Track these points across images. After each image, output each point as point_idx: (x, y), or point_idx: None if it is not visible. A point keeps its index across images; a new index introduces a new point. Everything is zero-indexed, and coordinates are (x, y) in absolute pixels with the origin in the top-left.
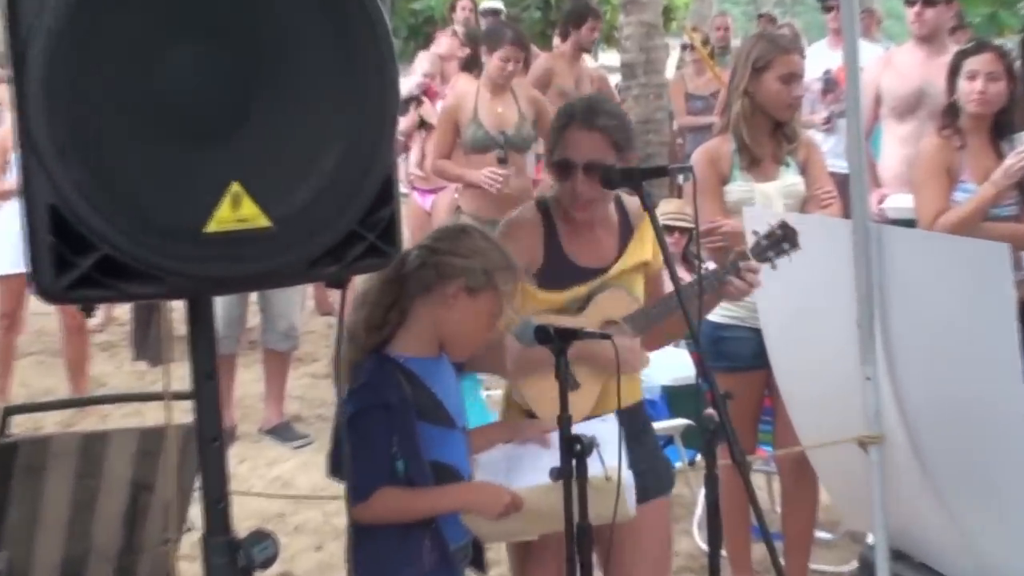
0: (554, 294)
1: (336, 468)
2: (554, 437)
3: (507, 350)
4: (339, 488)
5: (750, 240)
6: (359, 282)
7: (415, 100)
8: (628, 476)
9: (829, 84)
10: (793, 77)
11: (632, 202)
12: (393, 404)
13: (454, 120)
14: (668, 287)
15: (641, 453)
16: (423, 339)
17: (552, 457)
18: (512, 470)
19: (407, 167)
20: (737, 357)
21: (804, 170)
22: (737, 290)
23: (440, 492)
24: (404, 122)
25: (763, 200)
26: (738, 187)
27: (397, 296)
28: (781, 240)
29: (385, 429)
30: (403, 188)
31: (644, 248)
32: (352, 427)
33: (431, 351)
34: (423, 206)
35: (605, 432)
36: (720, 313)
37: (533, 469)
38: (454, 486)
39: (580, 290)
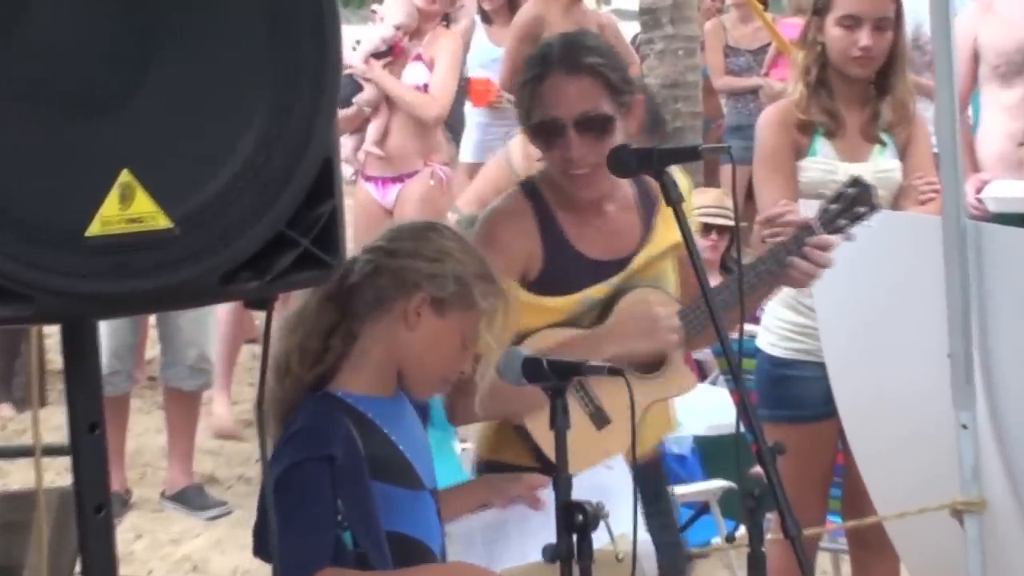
0: (562, 300)
1: (264, 545)
2: (549, 494)
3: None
4: (268, 571)
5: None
6: (293, 299)
7: (384, 56)
8: (648, 546)
9: None
10: (856, 21)
11: None
12: (338, 457)
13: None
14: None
15: (650, 527)
16: (377, 372)
17: (546, 523)
18: (494, 542)
19: (355, 146)
20: (805, 403)
21: (904, 152)
22: (801, 274)
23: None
24: (371, 90)
25: None
26: (817, 164)
27: (341, 316)
28: (854, 202)
29: (327, 490)
30: (348, 175)
31: (672, 226)
32: (283, 488)
33: (387, 388)
34: (380, 201)
35: (613, 484)
36: (784, 346)
37: (521, 541)
38: (421, 568)
39: (596, 291)
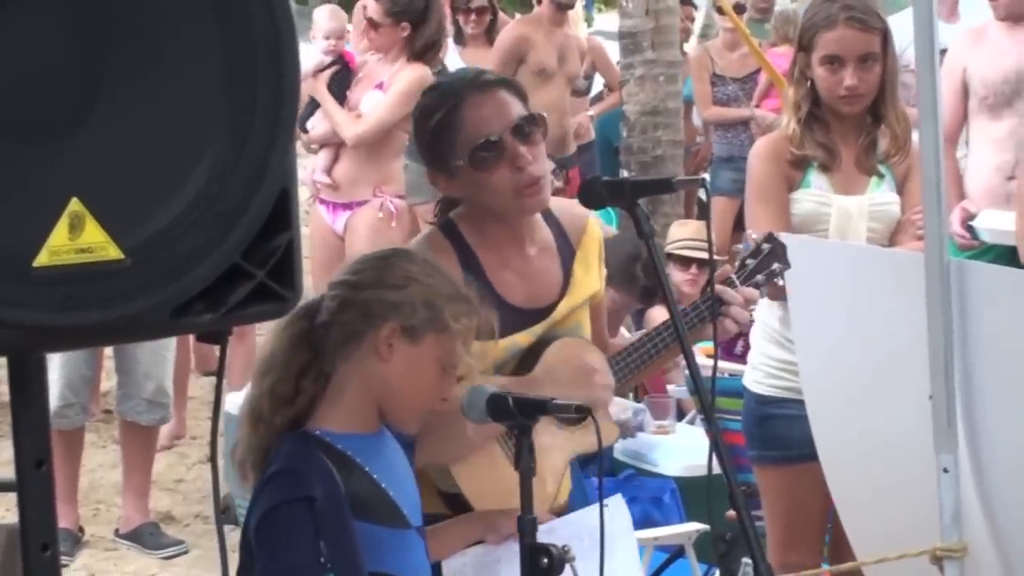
0: (489, 345)
1: None
2: (555, 535)
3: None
4: None
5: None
6: (262, 342)
7: (333, 66)
8: None
9: None
10: (839, 60)
11: (565, 209)
12: (318, 498)
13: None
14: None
15: None
16: (354, 409)
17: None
18: None
19: (308, 172)
20: (792, 443)
21: (903, 186)
22: (731, 326)
23: None
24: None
25: (840, 219)
26: (811, 196)
27: (312, 356)
28: (770, 258)
29: (309, 532)
30: (305, 197)
31: (591, 275)
32: (264, 532)
33: (369, 425)
34: (331, 226)
35: (610, 524)
36: (769, 383)
37: None
38: None
39: (522, 339)
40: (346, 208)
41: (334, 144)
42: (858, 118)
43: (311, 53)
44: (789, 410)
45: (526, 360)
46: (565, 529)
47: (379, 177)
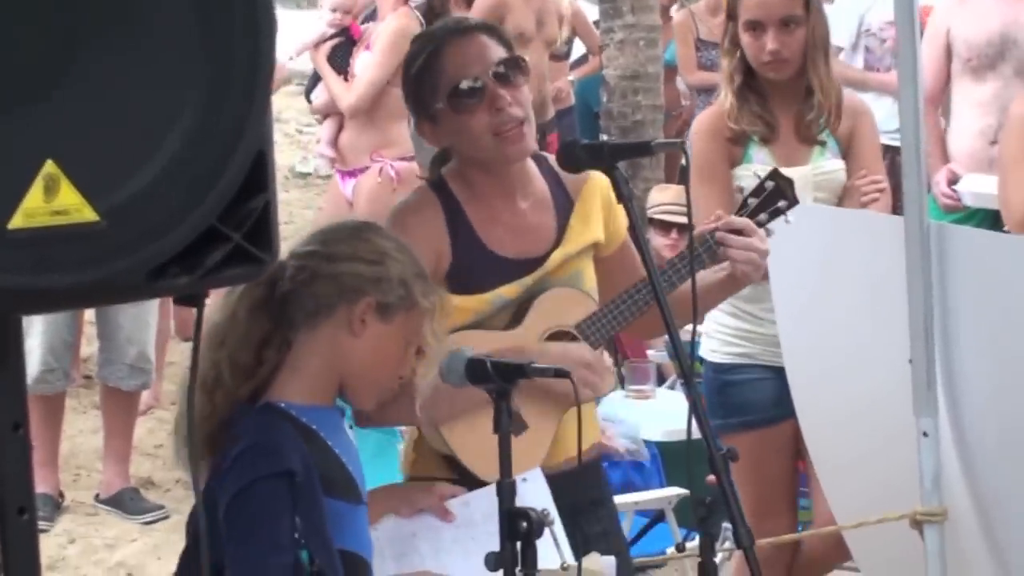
0: (472, 299)
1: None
2: (471, 508)
3: (416, 387)
4: None
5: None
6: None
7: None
8: (609, 564)
9: None
10: (759, 25)
11: None
12: (297, 472)
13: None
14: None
15: (592, 535)
16: (317, 381)
17: (458, 537)
18: (403, 556)
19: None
20: (752, 408)
21: (847, 150)
22: (743, 264)
23: None
24: (323, 95)
25: None
26: (751, 170)
27: (273, 326)
28: (774, 196)
29: (287, 507)
30: (321, 166)
31: (590, 225)
32: (240, 507)
33: (328, 398)
34: (345, 193)
35: (527, 496)
36: (724, 351)
37: (436, 556)
38: None
39: (508, 291)
40: (351, 175)
41: (337, 114)
42: (793, 87)
43: (314, 23)
44: (746, 375)
45: (516, 313)
46: (481, 501)
47: (376, 142)
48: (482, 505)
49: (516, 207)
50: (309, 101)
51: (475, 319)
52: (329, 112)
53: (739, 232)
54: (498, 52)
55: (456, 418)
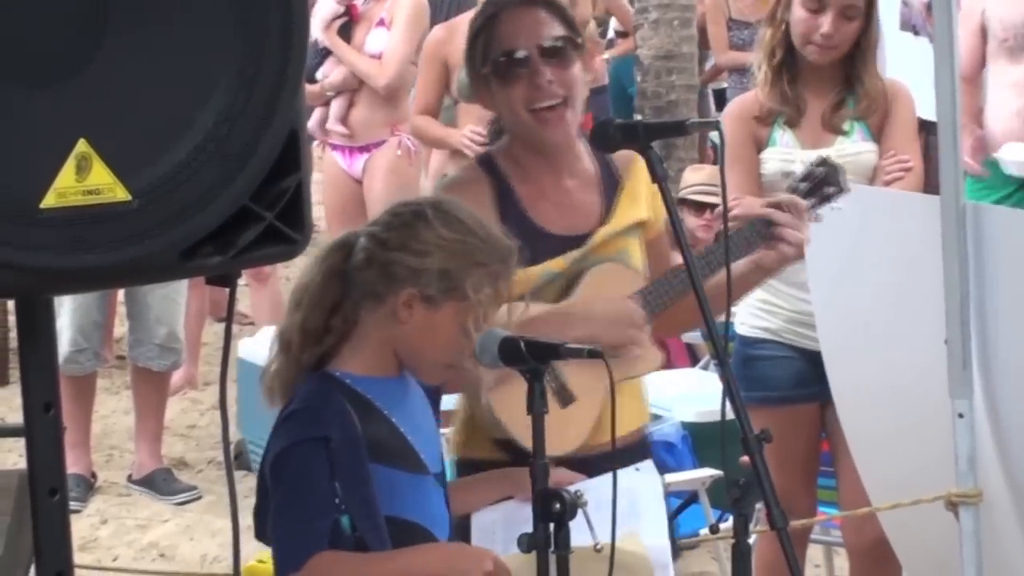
0: (522, 272)
1: (265, 529)
2: (585, 497)
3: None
4: (243, 561)
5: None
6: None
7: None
8: (659, 550)
9: None
10: (821, 4)
11: None
12: (333, 438)
13: (443, 59)
14: (678, 258)
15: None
16: (377, 354)
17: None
18: (511, 541)
19: (320, 119)
20: (771, 384)
21: (880, 132)
22: (780, 250)
23: (398, 557)
24: (337, 73)
25: None
26: (776, 154)
27: (341, 296)
28: (823, 182)
29: (324, 472)
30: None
31: (637, 204)
32: (279, 470)
33: (390, 370)
34: (348, 171)
35: (640, 487)
36: (751, 324)
37: None
38: (419, 548)
39: (555, 264)
40: (362, 151)
41: (349, 91)
42: (828, 73)
43: (326, 3)
44: (769, 351)
45: (566, 287)
46: (592, 493)
47: (395, 116)
48: (595, 494)
49: (562, 184)
50: (312, 81)
51: (526, 292)
52: (345, 89)
53: (796, 209)
54: (554, 29)
55: (499, 386)
